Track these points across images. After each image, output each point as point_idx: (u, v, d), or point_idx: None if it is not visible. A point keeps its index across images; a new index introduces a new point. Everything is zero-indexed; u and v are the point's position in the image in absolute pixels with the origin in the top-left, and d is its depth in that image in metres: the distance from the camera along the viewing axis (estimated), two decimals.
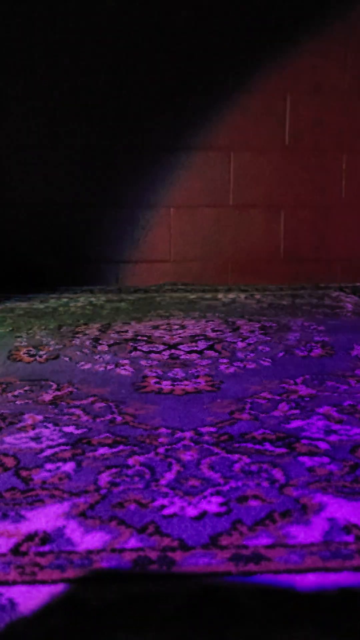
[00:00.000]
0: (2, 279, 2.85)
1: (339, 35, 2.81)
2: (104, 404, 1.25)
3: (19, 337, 1.86)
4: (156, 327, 1.97)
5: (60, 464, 0.97)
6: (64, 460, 0.98)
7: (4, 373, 1.48)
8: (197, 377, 1.43)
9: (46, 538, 0.75)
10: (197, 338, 1.81)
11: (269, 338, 1.81)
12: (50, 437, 1.08)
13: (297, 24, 2.78)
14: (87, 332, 1.92)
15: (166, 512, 0.81)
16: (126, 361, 1.57)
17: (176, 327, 1.98)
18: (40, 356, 1.63)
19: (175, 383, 1.38)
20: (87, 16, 2.72)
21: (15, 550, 0.73)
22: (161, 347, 1.72)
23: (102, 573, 0.68)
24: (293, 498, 0.84)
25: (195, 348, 1.70)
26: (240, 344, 1.73)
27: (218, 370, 1.49)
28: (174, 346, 1.72)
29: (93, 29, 2.73)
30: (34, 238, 2.86)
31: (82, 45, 2.74)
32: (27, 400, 1.28)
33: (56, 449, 1.02)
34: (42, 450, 1.02)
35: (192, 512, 0.81)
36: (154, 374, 1.46)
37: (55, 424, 1.14)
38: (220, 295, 2.62)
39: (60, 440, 1.06)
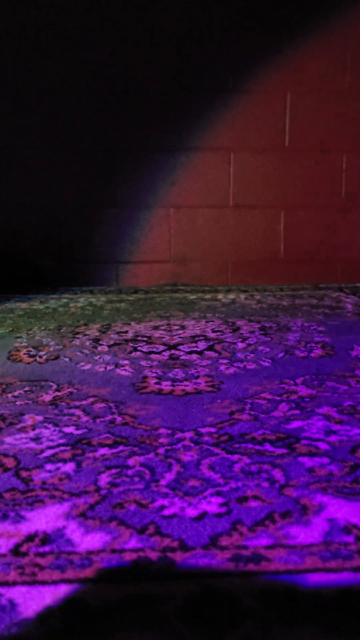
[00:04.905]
0: (2, 279, 2.85)
1: (339, 35, 2.81)
2: (104, 405, 1.25)
3: (19, 337, 1.86)
4: (156, 328, 1.98)
5: (60, 464, 0.97)
6: (64, 461, 0.98)
7: (4, 373, 1.48)
8: (197, 377, 1.43)
9: (46, 539, 0.75)
10: (197, 338, 1.81)
11: (269, 339, 1.81)
12: (50, 437, 1.08)
13: (296, 24, 2.78)
14: (87, 332, 1.92)
15: (166, 512, 0.81)
16: (126, 362, 1.58)
17: (176, 327, 1.98)
18: (40, 357, 1.63)
19: (175, 383, 1.39)
20: (87, 16, 2.72)
21: (16, 551, 0.73)
22: (161, 347, 1.72)
23: (102, 573, 0.68)
24: (293, 498, 0.84)
25: (195, 348, 1.70)
26: (240, 345, 1.73)
27: (218, 370, 1.49)
28: (174, 347, 1.72)
29: (93, 28, 2.73)
30: (34, 238, 2.86)
31: (82, 45, 2.74)
32: (27, 401, 1.28)
33: (56, 450, 1.02)
34: (42, 451, 1.02)
35: (192, 512, 0.81)
36: (154, 375, 1.46)
37: (55, 425, 1.14)
38: (220, 296, 2.62)
39: (60, 441, 1.06)
